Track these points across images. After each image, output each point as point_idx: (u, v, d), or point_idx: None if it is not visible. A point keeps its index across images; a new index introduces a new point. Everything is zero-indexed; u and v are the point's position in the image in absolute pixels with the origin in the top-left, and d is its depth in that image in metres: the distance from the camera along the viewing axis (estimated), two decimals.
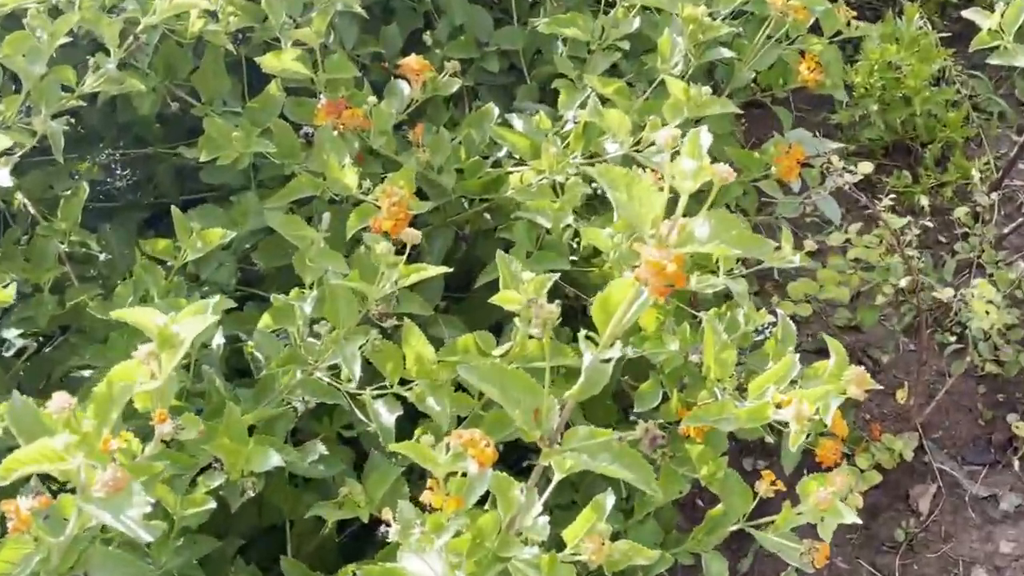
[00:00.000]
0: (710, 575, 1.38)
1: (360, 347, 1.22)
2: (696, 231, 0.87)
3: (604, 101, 1.62)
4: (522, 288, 1.21)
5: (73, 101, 1.39)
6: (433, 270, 1.21)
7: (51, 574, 1.02)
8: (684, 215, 0.87)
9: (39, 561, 0.91)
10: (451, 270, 1.24)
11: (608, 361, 0.91)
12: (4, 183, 1.25)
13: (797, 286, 2.07)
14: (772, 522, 1.30)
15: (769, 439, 2.08)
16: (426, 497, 1.01)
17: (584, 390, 0.91)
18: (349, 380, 1.39)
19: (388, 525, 1.28)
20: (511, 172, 1.70)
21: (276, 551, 1.52)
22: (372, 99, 1.56)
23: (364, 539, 1.67)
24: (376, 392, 1.35)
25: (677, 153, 0.89)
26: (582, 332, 0.93)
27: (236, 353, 1.56)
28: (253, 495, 1.26)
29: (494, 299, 1.22)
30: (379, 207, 1.37)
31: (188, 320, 0.90)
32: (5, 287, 1.01)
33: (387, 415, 1.33)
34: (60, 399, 0.77)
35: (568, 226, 1.59)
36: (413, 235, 1.18)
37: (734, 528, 1.36)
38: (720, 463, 1.41)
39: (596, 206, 1.77)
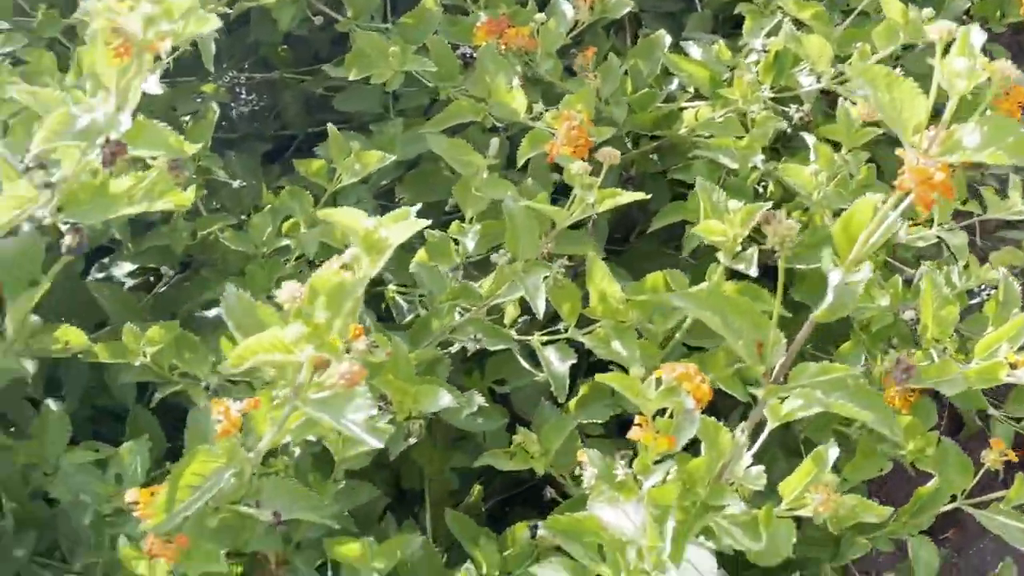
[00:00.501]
0: (918, 562, 1.42)
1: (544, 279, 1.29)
2: (965, 138, 0.92)
3: (799, 27, 1.67)
4: (727, 219, 1.27)
5: (222, 7, 1.49)
6: (628, 196, 1.27)
7: (221, 501, 1.11)
8: (950, 121, 0.93)
9: (232, 475, 0.99)
10: (649, 196, 1.30)
11: (855, 284, 0.97)
12: (152, 90, 1.34)
13: (1001, 256, 2.07)
14: (996, 500, 1.34)
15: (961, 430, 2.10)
16: (634, 435, 1.08)
17: (831, 312, 0.96)
18: (514, 324, 1.47)
19: (564, 481, 1.36)
20: (685, 108, 1.76)
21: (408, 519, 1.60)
22: (540, 16, 1.63)
23: (509, 513, 1.75)
24: (547, 338, 1.42)
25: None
26: (826, 251, 0.99)
27: (373, 299, 1.64)
28: (416, 441, 1.34)
29: (696, 230, 1.29)
30: (553, 133, 1.44)
31: (395, 225, 0.97)
32: (184, 190, 1.09)
33: (560, 363, 1.40)
34: (291, 288, 0.85)
35: (755, 168, 1.65)
36: (611, 154, 1.24)
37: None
38: (930, 437, 1.45)
39: (779, 150, 1.82)
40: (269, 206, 1.61)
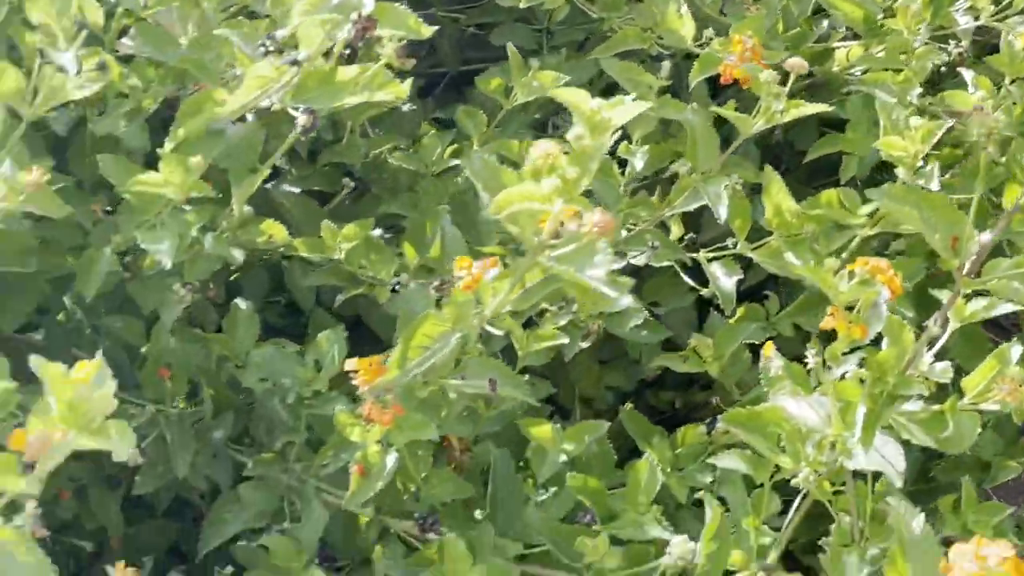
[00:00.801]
0: None
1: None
2: None
3: None
4: (908, 135, 1.31)
5: None
6: (812, 107, 1.32)
7: (432, 375, 1.18)
8: None
9: (458, 339, 1.05)
10: (830, 108, 1.35)
11: None
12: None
13: None
14: None
15: None
16: (827, 323, 1.12)
17: None
18: (680, 242, 1.52)
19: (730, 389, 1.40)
20: (837, 47, 1.80)
21: None
22: None
23: None
24: (713, 254, 1.47)
25: None
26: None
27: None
28: (590, 345, 1.39)
29: (879, 144, 1.33)
30: (721, 57, 1.48)
31: (615, 108, 1.03)
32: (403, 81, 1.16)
33: (726, 278, 1.45)
34: (544, 146, 0.91)
35: (911, 103, 1.67)
36: (799, 65, 1.29)
37: None
38: None
39: (930, 91, 1.84)
40: (431, 132, 1.69)
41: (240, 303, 1.44)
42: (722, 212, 1.34)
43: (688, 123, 1.37)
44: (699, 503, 1.41)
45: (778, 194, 1.38)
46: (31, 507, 0.87)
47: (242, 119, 1.18)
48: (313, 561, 1.25)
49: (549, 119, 1.84)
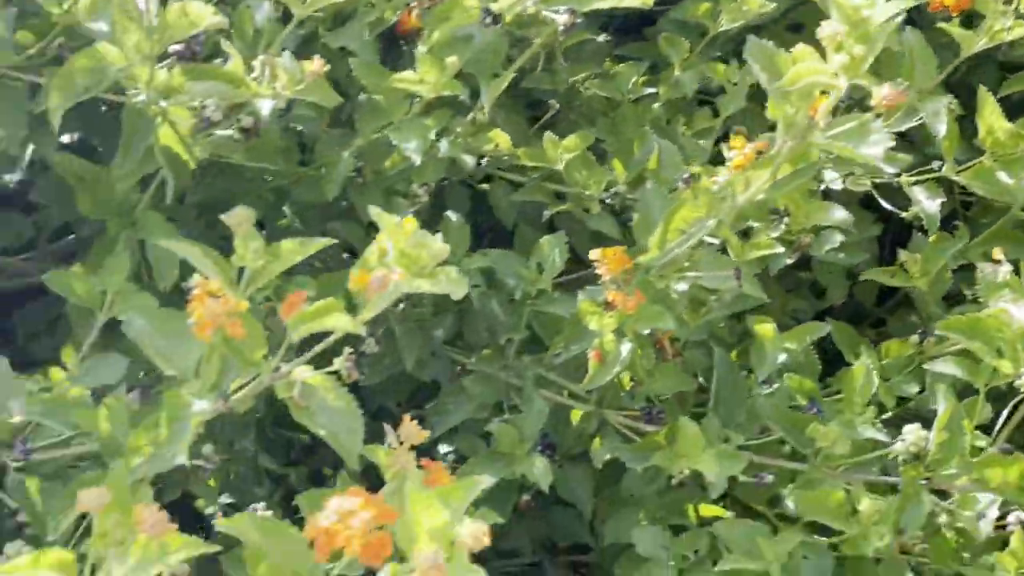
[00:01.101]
0: None
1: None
2: None
3: None
4: None
5: None
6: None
7: (669, 268, 1.23)
8: None
9: (713, 224, 1.11)
10: None
11: None
12: None
13: None
14: None
15: None
16: None
17: None
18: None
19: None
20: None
21: None
22: None
23: None
24: (915, 178, 1.51)
25: None
26: None
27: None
28: (797, 259, 1.44)
29: None
30: None
31: (876, 5, 1.07)
32: None
33: (929, 202, 1.49)
34: (831, 26, 0.97)
35: None
36: None
37: None
38: None
39: None
40: (622, 64, 1.74)
41: (451, 214, 1.51)
42: (940, 129, 1.38)
43: (906, 42, 1.40)
44: (901, 418, 1.45)
45: (991, 115, 1.41)
46: (347, 352, 0.95)
47: (495, 21, 1.24)
48: (535, 448, 1.32)
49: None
